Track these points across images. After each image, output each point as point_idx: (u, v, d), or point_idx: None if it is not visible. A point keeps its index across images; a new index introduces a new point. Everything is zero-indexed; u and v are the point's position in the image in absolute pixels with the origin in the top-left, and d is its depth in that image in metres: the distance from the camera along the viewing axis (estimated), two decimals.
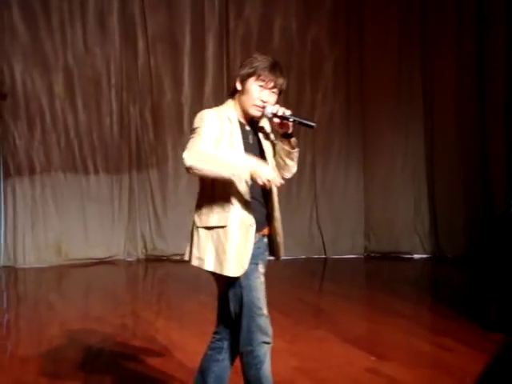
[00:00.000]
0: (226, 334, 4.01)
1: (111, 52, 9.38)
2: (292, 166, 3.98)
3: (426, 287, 8.38)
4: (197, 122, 3.78)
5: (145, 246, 9.57)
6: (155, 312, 7.23)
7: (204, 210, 3.83)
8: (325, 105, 9.46)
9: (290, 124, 3.81)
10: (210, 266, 3.82)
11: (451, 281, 8.38)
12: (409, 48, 9.31)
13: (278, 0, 9.43)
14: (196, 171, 3.65)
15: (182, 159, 3.65)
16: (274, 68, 3.83)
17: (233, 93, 3.92)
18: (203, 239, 3.84)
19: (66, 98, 9.31)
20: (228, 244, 3.76)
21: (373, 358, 5.47)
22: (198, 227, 3.86)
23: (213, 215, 3.79)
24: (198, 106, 9.45)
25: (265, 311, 3.84)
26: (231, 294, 3.85)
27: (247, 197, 3.78)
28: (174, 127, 9.53)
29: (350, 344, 5.67)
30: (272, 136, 3.99)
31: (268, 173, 3.63)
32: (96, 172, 9.45)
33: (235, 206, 3.77)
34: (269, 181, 3.61)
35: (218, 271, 3.79)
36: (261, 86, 3.81)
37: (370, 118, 9.27)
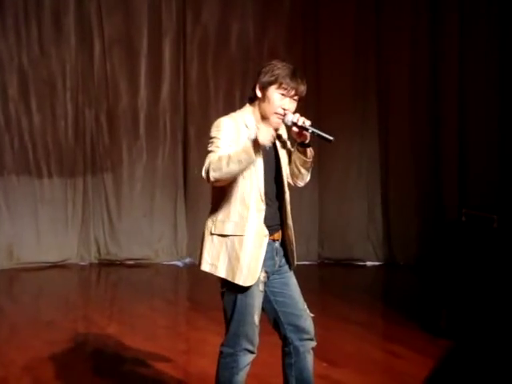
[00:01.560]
0: (286, 338, 4.01)
1: (67, 54, 9.28)
2: (306, 175, 4.06)
3: (378, 294, 8.44)
4: (213, 131, 3.83)
5: (98, 251, 9.49)
6: (107, 317, 7.18)
7: (220, 217, 3.86)
8: None
9: (308, 134, 3.84)
10: (222, 272, 3.84)
11: (403, 288, 8.45)
12: (364, 58, 9.35)
13: (235, 5, 9.42)
14: (221, 182, 3.72)
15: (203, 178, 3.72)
16: (296, 76, 3.86)
17: (251, 99, 3.93)
18: (217, 246, 3.86)
19: (20, 99, 9.20)
20: (242, 253, 3.80)
21: (324, 365, 5.50)
22: (212, 234, 3.88)
23: (229, 223, 3.83)
24: (154, 110, 9.43)
25: (256, 320, 3.88)
26: (227, 295, 3.89)
27: (263, 205, 3.83)
28: (130, 131, 9.47)
29: None
30: (289, 144, 4.04)
31: (266, 131, 3.67)
32: (50, 175, 9.35)
33: (252, 216, 3.82)
34: (270, 137, 3.67)
35: (229, 278, 3.82)
36: (282, 94, 3.85)
37: (324, 124, 9.26)
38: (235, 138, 3.79)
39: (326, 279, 9.10)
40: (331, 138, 3.83)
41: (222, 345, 3.94)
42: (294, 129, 3.86)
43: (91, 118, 9.40)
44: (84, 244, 9.45)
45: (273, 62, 3.92)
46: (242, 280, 3.79)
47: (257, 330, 3.90)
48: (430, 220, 9.12)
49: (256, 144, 3.64)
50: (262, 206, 3.83)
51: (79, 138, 9.38)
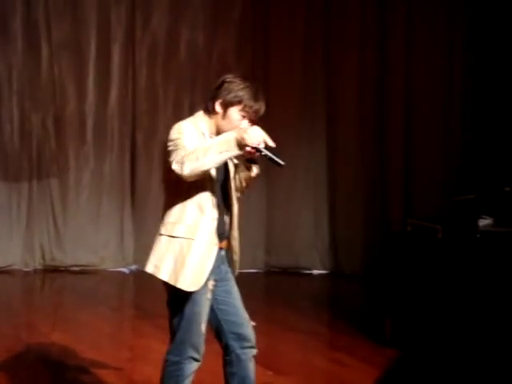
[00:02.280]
0: (228, 346, 4.00)
1: (13, 57, 9.18)
2: (245, 188, 4.08)
3: (324, 303, 8.48)
4: (174, 133, 3.76)
5: (43, 257, 9.38)
6: (51, 324, 7.10)
7: (171, 219, 3.82)
8: None
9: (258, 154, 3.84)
10: (165, 275, 3.80)
11: (348, 297, 8.50)
12: (313, 66, 9.40)
13: (185, 13, 9.41)
14: (195, 174, 3.65)
15: (175, 172, 3.65)
16: (259, 98, 3.88)
17: (207, 109, 3.89)
18: (164, 247, 3.82)
19: None
20: (189, 258, 3.77)
21: (270, 373, 5.51)
22: (161, 234, 3.84)
23: (180, 225, 3.80)
24: (102, 115, 9.37)
25: (203, 328, 3.88)
26: (174, 303, 3.86)
27: (216, 214, 3.83)
28: (77, 136, 9.40)
29: None
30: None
31: (257, 133, 3.69)
32: None
33: (205, 221, 3.80)
34: (260, 141, 3.67)
35: (171, 282, 3.78)
36: (243, 116, 3.85)
37: (273, 132, 9.29)
38: (197, 141, 3.76)
39: (273, 287, 9.12)
40: (283, 162, 3.83)
41: (168, 353, 3.93)
42: (248, 148, 3.80)
43: (38, 123, 9.30)
44: (28, 250, 9.34)
45: (236, 80, 3.89)
46: (184, 285, 3.77)
47: (203, 338, 3.91)
48: (376, 230, 9.19)
49: (241, 141, 3.64)
50: (215, 215, 3.83)
51: (25, 142, 9.28)
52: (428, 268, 6.16)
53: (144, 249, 9.39)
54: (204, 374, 4.16)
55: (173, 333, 3.91)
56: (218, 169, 3.84)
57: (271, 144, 3.76)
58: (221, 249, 3.92)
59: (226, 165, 3.94)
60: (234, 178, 4.02)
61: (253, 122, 3.90)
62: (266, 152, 3.79)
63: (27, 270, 9.28)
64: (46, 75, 9.26)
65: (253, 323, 4.08)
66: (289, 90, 9.39)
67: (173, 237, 3.81)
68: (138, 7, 9.35)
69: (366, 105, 9.32)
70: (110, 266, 9.35)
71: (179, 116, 9.21)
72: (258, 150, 3.79)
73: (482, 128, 8.95)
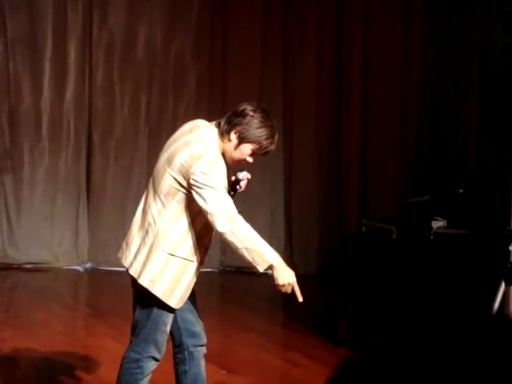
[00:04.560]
0: (182, 344, 4.03)
1: None
2: None
3: (279, 303, 8.46)
4: (207, 167, 3.79)
5: None
6: (2, 321, 7.01)
7: (175, 237, 3.84)
8: (187, 117, 9.35)
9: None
10: (158, 291, 3.81)
11: (303, 297, 8.51)
12: (271, 66, 9.43)
13: (142, 12, 9.35)
14: (223, 236, 3.78)
15: (210, 217, 3.77)
16: (274, 138, 3.98)
17: (222, 131, 3.98)
18: (162, 264, 3.82)
19: None
20: (184, 277, 3.84)
21: (223, 372, 5.52)
22: (163, 250, 3.82)
23: (184, 246, 3.84)
24: (58, 112, 9.28)
25: (168, 328, 3.91)
26: (145, 302, 3.87)
27: (210, 243, 3.96)
28: (32, 133, 9.30)
29: None
30: None
31: (290, 277, 3.98)
32: None
33: (205, 243, 3.93)
34: (286, 285, 4.00)
35: (163, 299, 3.81)
36: (254, 153, 3.95)
37: None
38: (225, 181, 3.89)
39: (228, 287, 9.11)
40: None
41: (128, 350, 3.92)
42: (233, 178, 4.08)
43: None
44: None
45: (258, 117, 3.94)
46: (174, 303, 3.84)
47: (166, 338, 3.92)
48: (331, 230, 9.24)
49: (273, 268, 3.98)
50: (213, 234, 3.95)
51: None
52: (382, 269, 6.22)
53: (99, 247, 9.46)
54: (158, 373, 4.15)
55: (136, 330, 3.90)
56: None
57: (299, 296, 4.13)
58: None
59: None
60: None
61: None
62: (235, 192, 4.14)
63: None
64: (0, 71, 9.16)
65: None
66: (246, 89, 9.39)
67: (173, 255, 3.83)
68: (95, 4, 9.26)
69: (322, 106, 9.34)
70: (64, 263, 9.26)
71: (136, 114, 9.32)
72: (236, 184, 4.12)
73: (436, 130, 9.06)
